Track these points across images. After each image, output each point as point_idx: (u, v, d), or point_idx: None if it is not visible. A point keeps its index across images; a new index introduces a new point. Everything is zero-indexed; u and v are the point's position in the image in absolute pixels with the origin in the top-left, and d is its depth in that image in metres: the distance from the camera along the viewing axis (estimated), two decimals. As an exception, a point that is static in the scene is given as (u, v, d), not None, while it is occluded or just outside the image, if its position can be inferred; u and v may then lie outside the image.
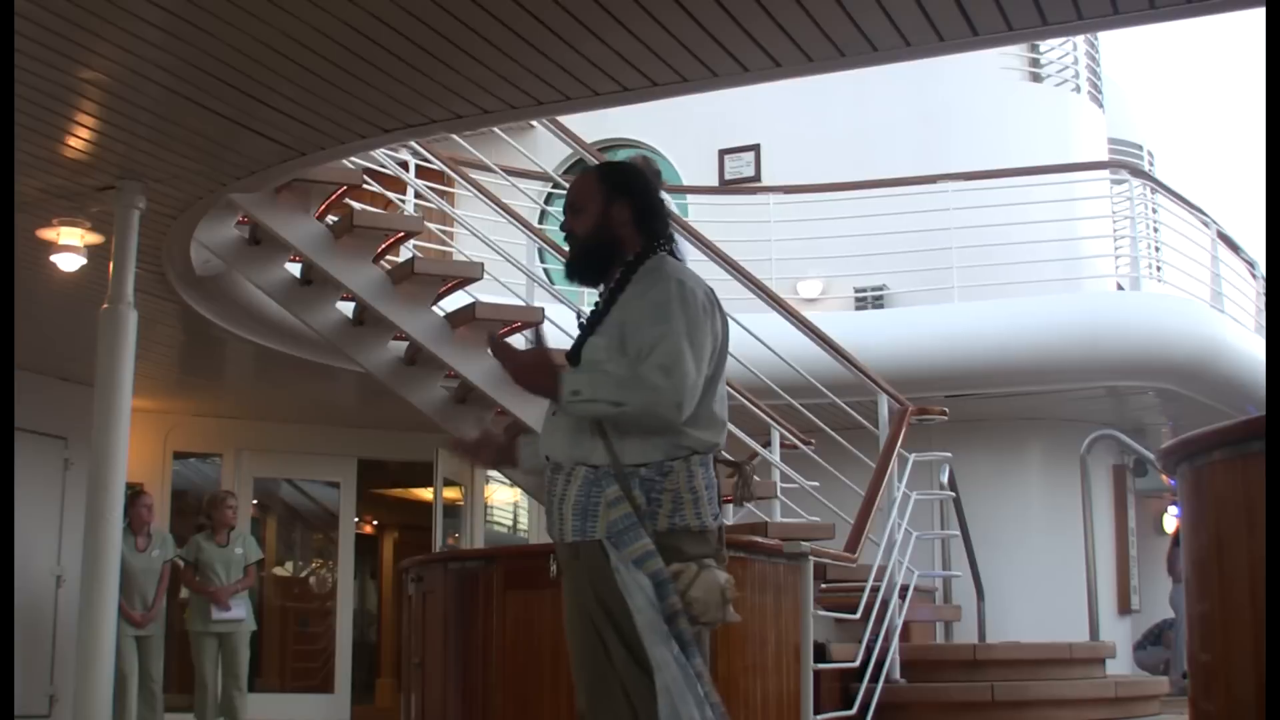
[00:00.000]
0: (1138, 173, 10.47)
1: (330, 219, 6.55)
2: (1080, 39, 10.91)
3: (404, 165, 7.58)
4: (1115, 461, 10.48)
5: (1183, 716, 4.07)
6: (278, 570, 12.01)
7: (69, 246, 6.41)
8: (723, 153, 10.52)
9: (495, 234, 7.31)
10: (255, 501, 11.43)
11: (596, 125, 9.66)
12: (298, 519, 12.57)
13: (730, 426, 3.32)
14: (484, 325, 6.70)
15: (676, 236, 3.27)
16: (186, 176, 5.62)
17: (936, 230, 9.10)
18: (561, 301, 7.22)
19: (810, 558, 5.73)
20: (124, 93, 4.87)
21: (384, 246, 6.68)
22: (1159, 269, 10.27)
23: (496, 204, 7.17)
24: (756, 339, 6.96)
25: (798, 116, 10.14)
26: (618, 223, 3.17)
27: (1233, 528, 3.07)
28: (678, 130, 10.18)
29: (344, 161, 6.25)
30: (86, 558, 5.37)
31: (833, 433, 7.48)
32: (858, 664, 6.12)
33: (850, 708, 6.01)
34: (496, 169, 7.65)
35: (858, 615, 6.24)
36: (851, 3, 4.06)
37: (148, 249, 6.17)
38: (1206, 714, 3.29)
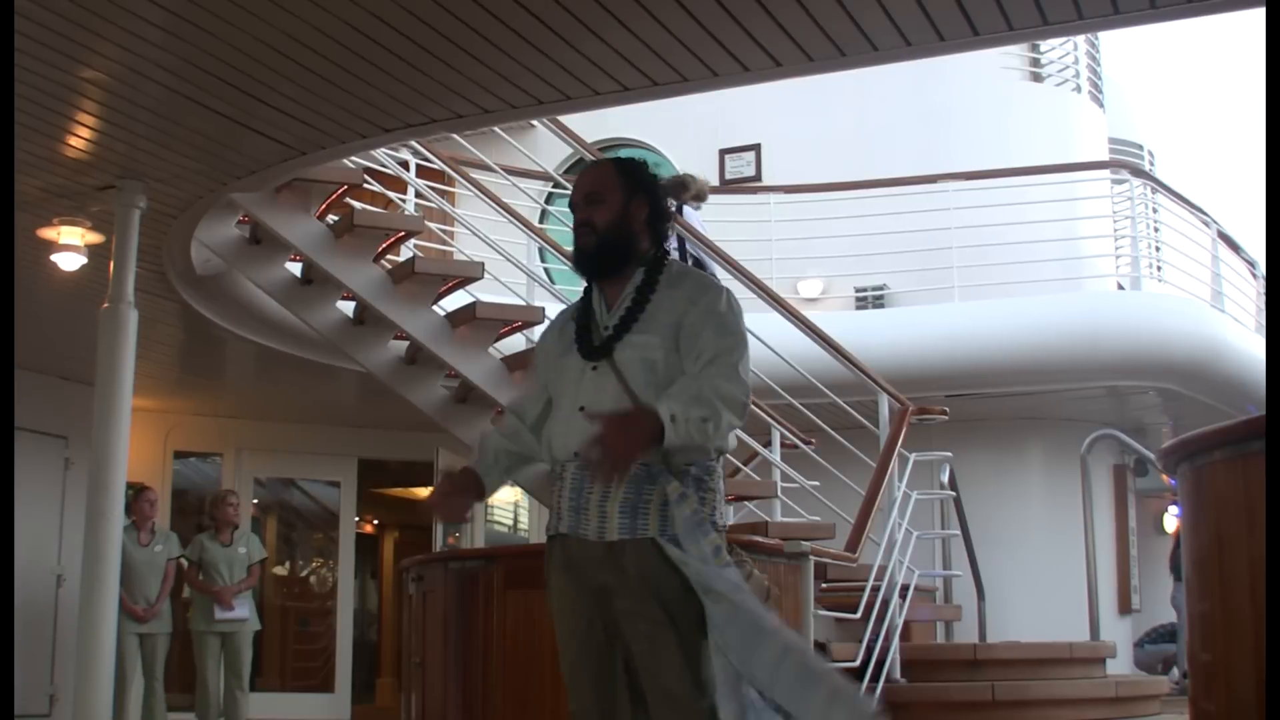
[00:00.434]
0: (1138, 172, 10.47)
1: (331, 218, 6.55)
2: (1081, 39, 10.90)
3: (404, 165, 7.58)
4: (1116, 461, 10.48)
5: (1183, 716, 4.07)
6: (277, 570, 12.01)
7: (69, 246, 6.41)
8: (723, 152, 10.52)
9: (496, 233, 7.31)
10: (255, 501, 11.43)
11: (597, 125, 9.65)
12: (298, 519, 12.57)
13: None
14: (484, 324, 6.71)
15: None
16: (187, 176, 5.62)
17: (937, 230, 9.10)
18: (562, 301, 7.22)
19: (811, 557, 5.73)
20: (124, 92, 4.87)
21: (384, 246, 6.68)
22: (1159, 269, 10.27)
23: (497, 204, 7.17)
24: (757, 338, 6.93)
25: (798, 116, 10.14)
26: (636, 219, 3.15)
27: (1233, 527, 3.07)
28: (678, 130, 10.18)
29: (344, 161, 6.25)
30: (87, 557, 5.38)
31: (833, 432, 7.48)
32: (858, 663, 6.12)
33: (850, 707, 6.00)
34: (497, 169, 7.65)
35: (858, 615, 6.24)
36: (852, 2, 4.06)
37: (148, 248, 6.18)
38: (1207, 713, 3.29)
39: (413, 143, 6.91)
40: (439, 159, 7.23)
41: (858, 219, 9.06)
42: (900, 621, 6.58)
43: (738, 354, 3.02)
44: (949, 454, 7.76)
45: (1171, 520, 11.32)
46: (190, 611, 8.73)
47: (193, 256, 6.61)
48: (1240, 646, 3.01)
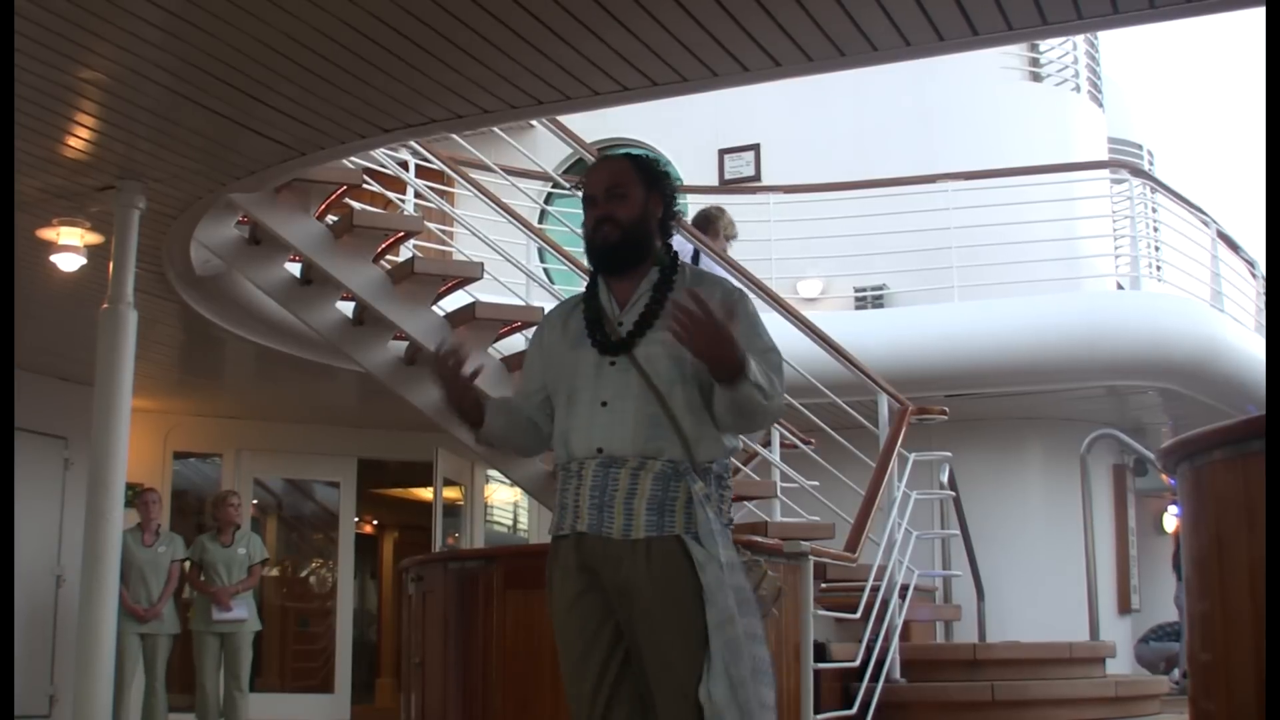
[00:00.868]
0: (1137, 172, 10.47)
1: (330, 219, 6.54)
2: (1080, 39, 10.91)
3: (404, 165, 7.58)
4: (1115, 461, 10.48)
5: (1183, 716, 4.07)
6: (277, 570, 12.00)
7: (69, 246, 6.41)
8: (722, 152, 10.52)
9: (495, 234, 7.31)
10: (255, 502, 11.43)
11: (596, 125, 9.66)
12: (297, 519, 12.57)
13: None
14: (483, 325, 6.71)
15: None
16: (186, 176, 5.62)
17: (936, 230, 9.11)
18: (561, 301, 7.21)
19: (810, 557, 5.73)
20: (124, 92, 4.87)
21: (384, 246, 6.68)
22: (1159, 268, 10.27)
23: (496, 204, 7.17)
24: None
25: (798, 116, 10.14)
26: (652, 216, 3.14)
27: (1233, 527, 3.07)
28: (678, 130, 10.18)
29: (344, 161, 6.25)
30: (86, 558, 5.38)
31: (833, 432, 7.48)
32: (858, 663, 6.12)
33: (850, 707, 6.01)
34: (496, 169, 7.65)
35: (858, 615, 6.24)
36: (851, 2, 4.06)
37: (147, 249, 6.17)
38: (1206, 713, 3.28)
39: (412, 143, 6.91)
40: (438, 159, 7.23)
41: (857, 219, 9.06)
42: (900, 621, 6.58)
43: (777, 356, 3.06)
44: (948, 454, 7.76)
45: (1171, 520, 11.32)
46: (191, 611, 8.75)
47: (192, 257, 6.61)
48: (1240, 646, 3.01)
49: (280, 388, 9.80)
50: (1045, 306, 9.06)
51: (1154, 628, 10.35)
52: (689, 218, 7.41)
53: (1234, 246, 10.68)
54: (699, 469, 2.97)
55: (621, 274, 3.13)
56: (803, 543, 5.76)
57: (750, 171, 10.47)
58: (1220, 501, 3.17)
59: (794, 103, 9.89)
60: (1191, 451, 3.34)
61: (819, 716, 5.67)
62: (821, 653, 5.94)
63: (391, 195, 7.67)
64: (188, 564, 8.67)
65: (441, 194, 8.16)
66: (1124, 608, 10.41)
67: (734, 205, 9.55)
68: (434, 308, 6.74)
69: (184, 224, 6.15)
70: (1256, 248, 10.96)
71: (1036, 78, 10.83)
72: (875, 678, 6.18)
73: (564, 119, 7.41)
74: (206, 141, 5.28)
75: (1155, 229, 10.15)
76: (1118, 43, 12.23)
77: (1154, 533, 11.46)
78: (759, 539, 5.87)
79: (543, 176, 8.64)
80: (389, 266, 6.69)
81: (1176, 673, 9.49)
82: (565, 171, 9.29)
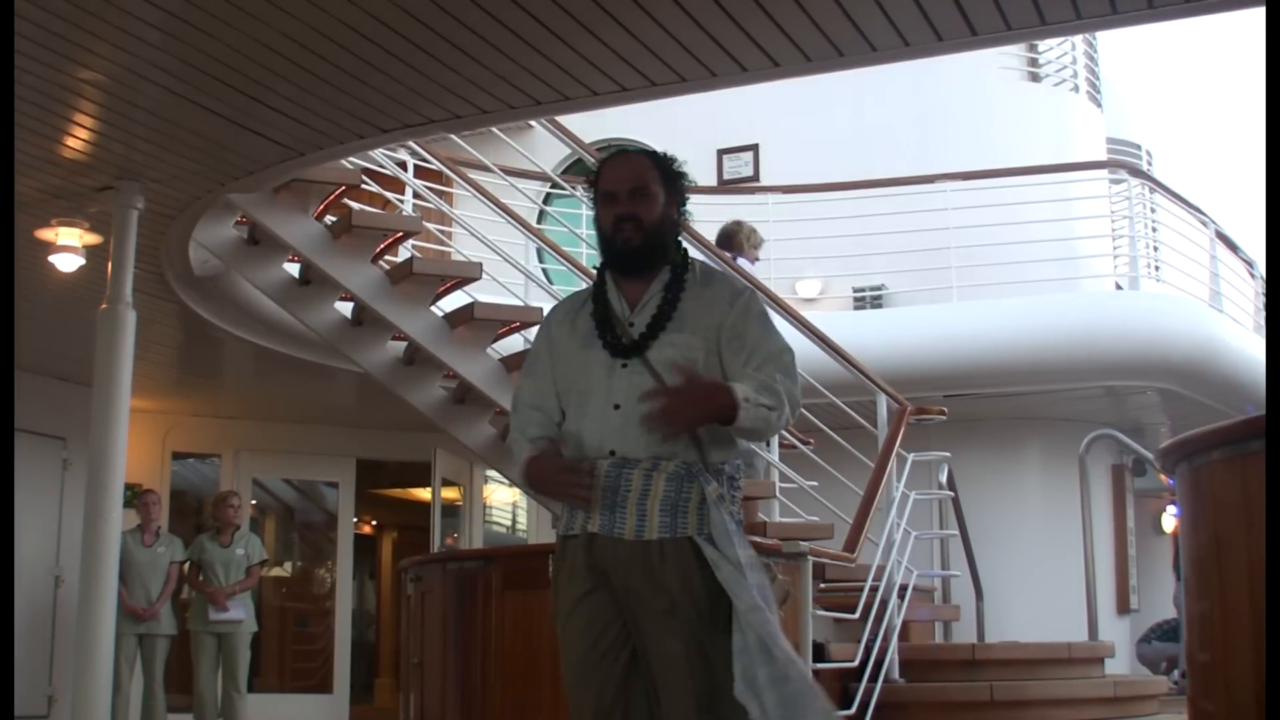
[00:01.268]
0: (1136, 172, 10.46)
1: (329, 219, 6.54)
2: (1079, 39, 10.91)
3: (402, 165, 7.58)
4: (1114, 461, 10.48)
5: (1181, 716, 4.07)
6: (276, 570, 12.00)
7: (67, 247, 6.41)
8: (721, 152, 10.52)
9: (494, 234, 7.31)
10: (254, 502, 11.43)
11: (595, 125, 9.66)
12: (296, 519, 12.56)
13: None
14: (482, 325, 6.71)
15: None
16: (185, 176, 5.62)
17: (935, 230, 9.11)
18: (566, 297, 7.21)
19: (809, 557, 5.73)
20: (122, 93, 4.87)
21: (382, 246, 6.68)
22: (1157, 269, 10.27)
23: (495, 204, 7.17)
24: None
25: (796, 116, 10.14)
26: (670, 216, 3.12)
27: (1231, 527, 3.07)
28: (676, 130, 10.17)
29: (342, 161, 6.24)
30: (85, 558, 5.37)
31: (831, 432, 7.48)
32: (857, 664, 6.12)
33: (849, 707, 6.00)
34: (495, 169, 7.65)
35: (856, 615, 6.24)
36: (850, 2, 4.06)
37: (146, 249, 6.17)
38: (1205, 714, 3.28)
39: (410, 143, 6.90)
40: (437, 159, 7.23)
41: (856, 219, 9.06)
42: (899, 621, 6.58)
43: (790, 355, 3.06)
44: (947, 454, 7.76)
45: (1170, 520, 11.32)
46: (189, 611, 8.76)
47: (191, 257, 6.60)
48: (1239, 646, 3.01)
49: (279, 388, 9.80)
50: (1044, 307, 9.06)
51: (1154, 626, 10.34)
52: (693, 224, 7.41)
53: (1233, 247, 10.68)
54: (712, 470, 2.96)
55: (641, 272, 3.10)
56: (801, 543, 5.77)
57: (749, 172, 10.47)
58: (1219, 502, 3.17)
59: (793, 103, 9.89)
60: (1190, 452, 3.35)
61: (818, 717, 5.66)
62: (820, 653, 5.94)
63: (390, 195, 7.67)
64: (186, 565, 8.68)
65: (440, 194, 8.16)
66: (1123, 608, 10.41)
67: (732, 206, 9.58)
68: (433, 308, 6.74)
69: (183, 224, 6.15)
70: (1255, 248, 10.97)
71: (1035, 78, 10.84)
72: (874, 678, 6.18)
73: (562, 119, 7.41)
74: (205, 142, 5.28)
75: (1154, 229, 10.15)
76: (1116, 43, 12.22)
77: (1153, 533, 11.46)
78: (758, 539, 5.87)
79: (541, 177, 8.64)
80: (388, 267, 6.69)
81: (1176, 673, 9.49)
82: (564, 172, 9.29)
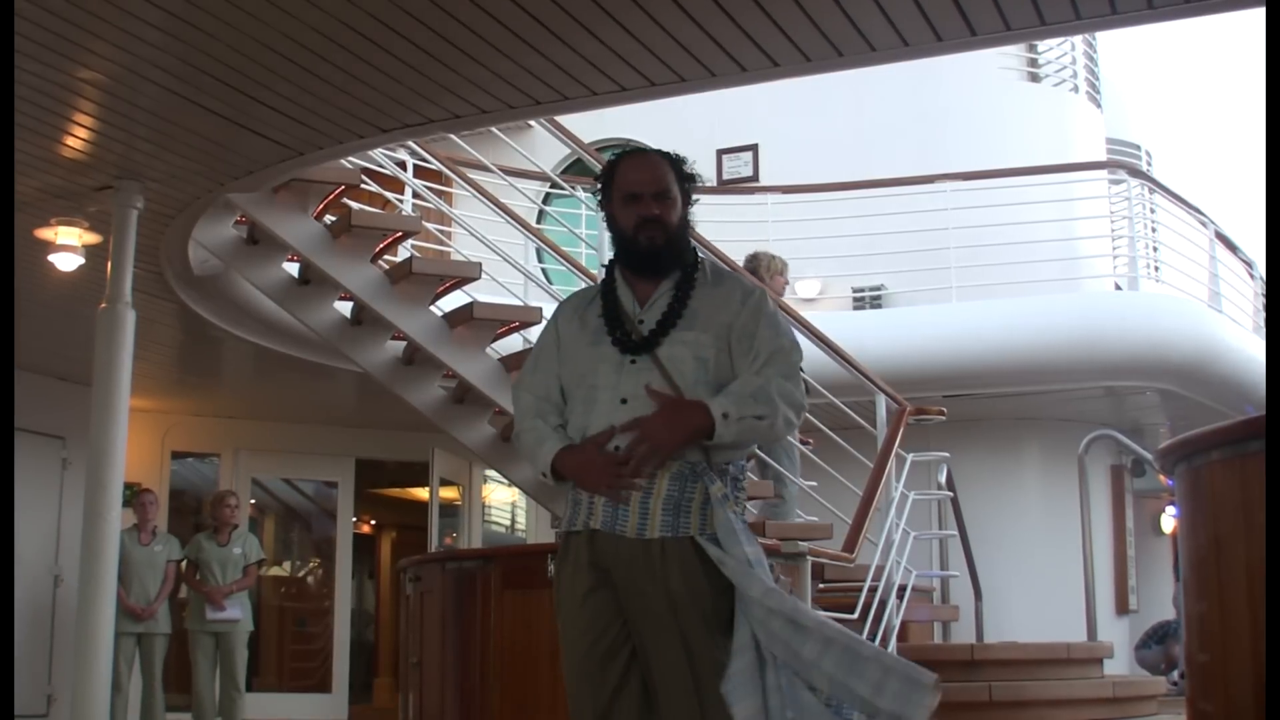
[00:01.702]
0: (1136, 173, 10.47)
1: (328, 219, 6.54)
2: (1078, 39, 10.91)
3: (402, 165, 7.58)
4: (1113, 461, 10.48)
5: (1181, 716, 4.07)
6: (275, 570, 12.01)
7: (67, 246, 6.41)
8: (721, 152, 10.52)
9: (493, 234, 7.31)
10: (254, 501, 11.43)
11: (594, 125, 9.66)
12: (295, 518, 12.57)
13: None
14: (482, 325, 6.70)
15: None
16: (184, 176, 5.62)
17: (935, 230, 9.11)
18: (559, 301, 7.20)
19: (808, 557, 5.73)
20: (122, 93, 4.87)
21: (382, 246, 6.68)
22: (1157, 269, 10.27)
23: (494, 204, 7.17)
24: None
25: (796, 116, 10.14)
26: (685, 217, 3.14)
27: (1231, 528, 3.07)
28: (675, 130, 10.16)
29: (342, 161, 6.24)
30: (84, 558, 5.37)
31: (831, 432, 7.48)
32: (855, 664, 6.10)
33: (848, 707, 6.00)
34: (494, 169, 7.65)
35: (855, 615, 6.24)
36: (849, 3, 4.06)
37: (146, 249, 6.17)
38: (1205, 714, 3.29)
39: (410, 143, 6.91)
40: (436, 159, 7.23)
41: (855, 219, 9.05)
42: (898, 622, 6.59)
43: (796, 354, 3.06)
44: (946, 454, 7.76)
45: (1169, 521, 11.32)
46: (186, 610, 8.76)
47: (190, 257, 6.61)
48: (1238, 647, 3.01)
49: (278, 388, 9.80)
50: (1043, 307, 9.06)
51: (1149, 630, 10.35)
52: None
53: (1232, 247, 10.68)
54: (716, 469, 2.96)
55: (662, 275, 3.10)
56: (800, 543, 5.76)
57: (748, 172, 10.47)
58: (1218, 502, 3.17)
59: (792, 103, 9.88)
60: (1190, 452, 3.35)
61: (817, 717, 5.66)
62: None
63: (390, 195, 7.67)
64: (184, 564, 8.67)
65: (439, 194, 8.16)
66: (1122, 608, 10.41)
67: (732, 205, 9.59)
68: (432, 308, 6.74)
69: (182, 224, 6.15)
70: (1255, 248, 10.97)
71: (1035, 78, 10.84)
72: (873, 678, 6.16)
73: (562, 119, 7.41)
74: (205, 141, 5.28)
75: (1153, 229, 10.14)
76: (1116, 43, 12.22)
77: (1152, 533, 11.46)
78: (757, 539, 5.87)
79: (541, 177, 8.63)
80: (387, 266, 6.69)
81: (1175, 673, 9.49)
82: (563, 172, 9.29)
